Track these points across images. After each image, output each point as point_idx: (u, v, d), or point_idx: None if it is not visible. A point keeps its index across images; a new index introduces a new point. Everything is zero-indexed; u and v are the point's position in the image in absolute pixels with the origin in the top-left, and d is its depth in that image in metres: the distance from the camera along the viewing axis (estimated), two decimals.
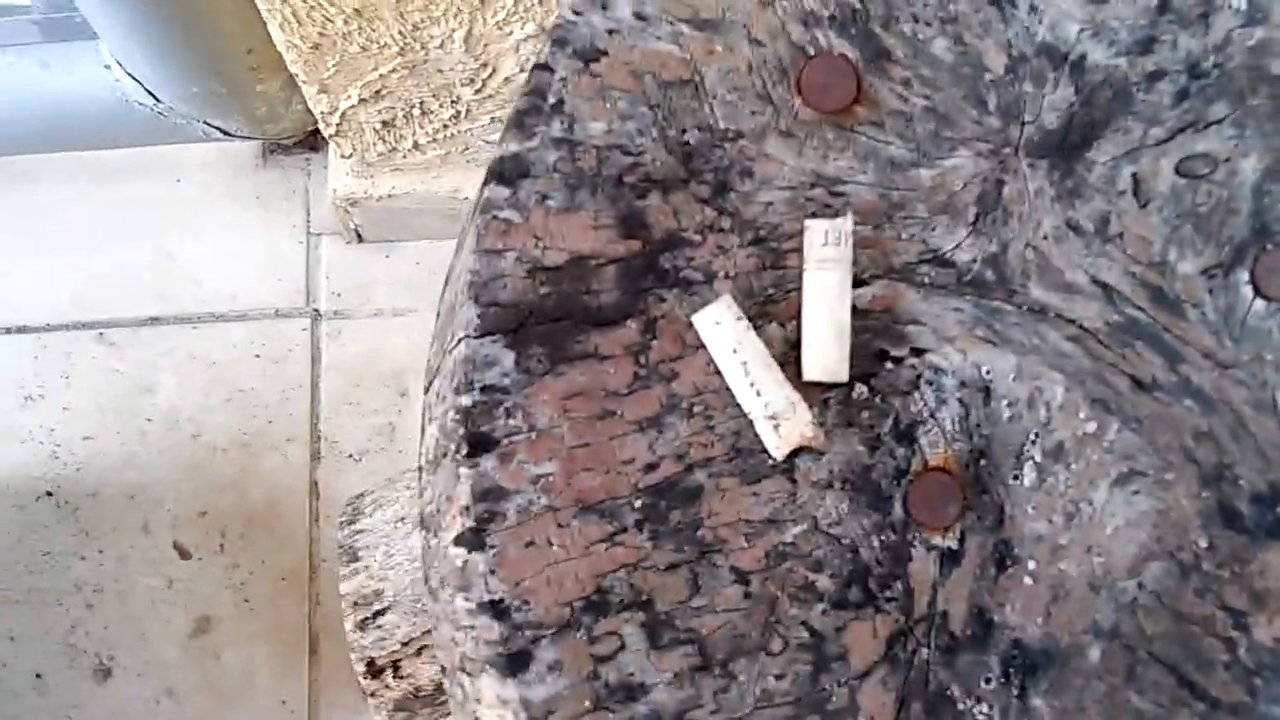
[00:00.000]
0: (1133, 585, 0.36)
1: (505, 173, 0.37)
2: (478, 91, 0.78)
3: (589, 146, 0.38)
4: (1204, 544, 0.37)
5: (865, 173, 0.39)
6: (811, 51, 0.39)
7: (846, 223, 0.37)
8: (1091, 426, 0.37)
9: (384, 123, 0.81)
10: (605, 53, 0.39)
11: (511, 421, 0.36)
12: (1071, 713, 0.35)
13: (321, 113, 0.80)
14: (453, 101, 0.79)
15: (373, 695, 0.77)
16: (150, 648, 0.87)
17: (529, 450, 0.36)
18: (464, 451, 0.35)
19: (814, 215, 0.38)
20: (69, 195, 0.96)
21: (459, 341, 0.36)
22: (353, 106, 0.79)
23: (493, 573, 0.34)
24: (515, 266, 0.37)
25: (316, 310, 0.94)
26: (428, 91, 0.78)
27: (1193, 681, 0.36)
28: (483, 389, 0.36)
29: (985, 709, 0.36)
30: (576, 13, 0.39)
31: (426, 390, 0.41)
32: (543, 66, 0.38)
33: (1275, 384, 0.38)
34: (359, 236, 0.95)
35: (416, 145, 0.85)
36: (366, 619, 0.78)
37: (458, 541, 0.35)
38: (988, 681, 0.36)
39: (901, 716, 0.35)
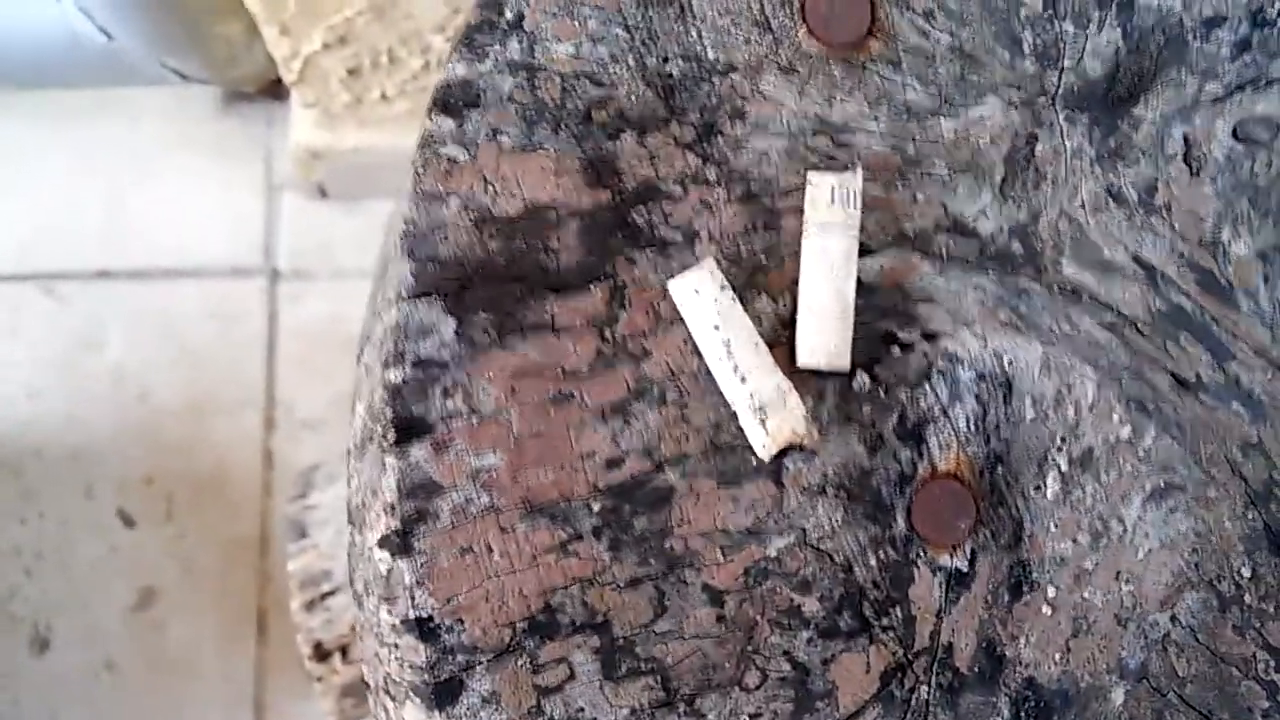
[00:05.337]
0: (1165, 619, 0.32)
1: (450, 101, 0.32)
2: (449, 39, 0.74)
3: (552, 73, 0.32)
4: (1247, 573, 0.32)
5: (877, 120, 0.33)
6: None
7: (856, 179, 0.32)
8: (1126, 431, 0.32)
9: (349, 71, 0.77)
10: None
11: (449, 403, 0.30)
12: None
13: (283, 57, 0.76)
14: (422, 50, 0.75)
15: (319, 680, 0.73)
16: (91, 618, 0.84)
17: (469, 438, 0.30)
18: (391, 437, 0.30)
19: (816, 168, 0.33)
20: (17, 137, 0.93)
21: (390, 304, 0.31)
22: (316, 52, 0.75)
23: (420, 584, 0.29)
24: (459, 215, 0.31)
25: (275, 269, 0.91)
26: (396, 38, 0.74)
27: None
28: (416, 363, 0.30)
29: None
30: None
31: (358, 360, 0.35)
32: None
33: None
34: (322, 192, 0.91)
35: (384, 96, 0.81)
36: (314, 600, 0.73)
37: (382, 544, 0.30)
38: None
39: None
